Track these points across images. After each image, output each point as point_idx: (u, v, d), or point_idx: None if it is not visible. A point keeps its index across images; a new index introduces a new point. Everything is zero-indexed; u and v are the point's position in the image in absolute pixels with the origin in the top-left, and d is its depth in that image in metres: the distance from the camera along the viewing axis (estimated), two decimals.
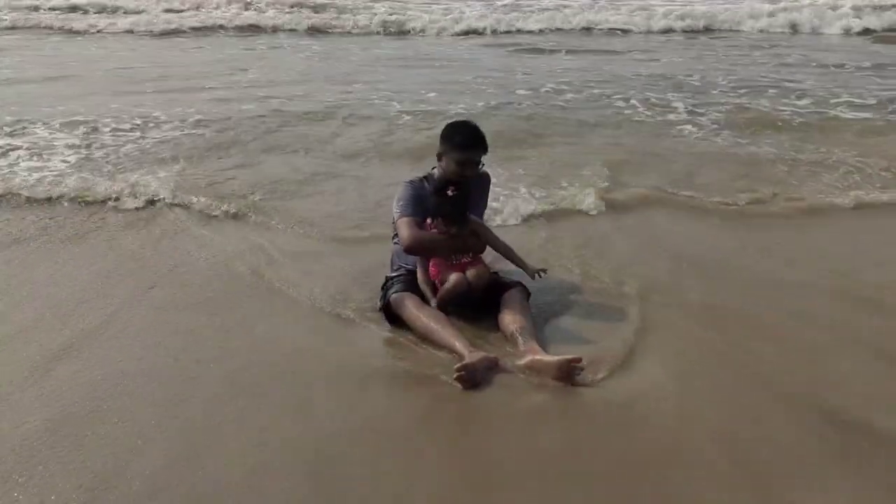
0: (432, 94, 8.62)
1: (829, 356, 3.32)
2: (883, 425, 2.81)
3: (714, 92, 8.84)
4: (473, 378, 3.07)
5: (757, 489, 2.50)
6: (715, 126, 7.32)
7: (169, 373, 3.15)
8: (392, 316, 3.54)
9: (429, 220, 3.62)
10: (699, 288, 3.96)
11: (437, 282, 3.60)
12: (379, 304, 3.64)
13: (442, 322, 3.39)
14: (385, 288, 3.66)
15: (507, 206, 5.01)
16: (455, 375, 3.04)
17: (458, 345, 3.25)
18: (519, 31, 14.24)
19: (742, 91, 8.80)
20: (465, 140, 3.70)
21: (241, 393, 3.01)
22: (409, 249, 3.59)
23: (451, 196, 3.54)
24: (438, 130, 3.84)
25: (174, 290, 3.90)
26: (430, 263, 3.62)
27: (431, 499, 2.46)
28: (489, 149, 3.76)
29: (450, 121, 3.92)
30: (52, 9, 14.89)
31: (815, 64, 10.77)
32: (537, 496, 2.46)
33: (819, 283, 4.00)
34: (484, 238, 3.69)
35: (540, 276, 3.66)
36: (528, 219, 4.93)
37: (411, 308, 3.46)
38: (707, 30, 14.34)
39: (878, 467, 2.61)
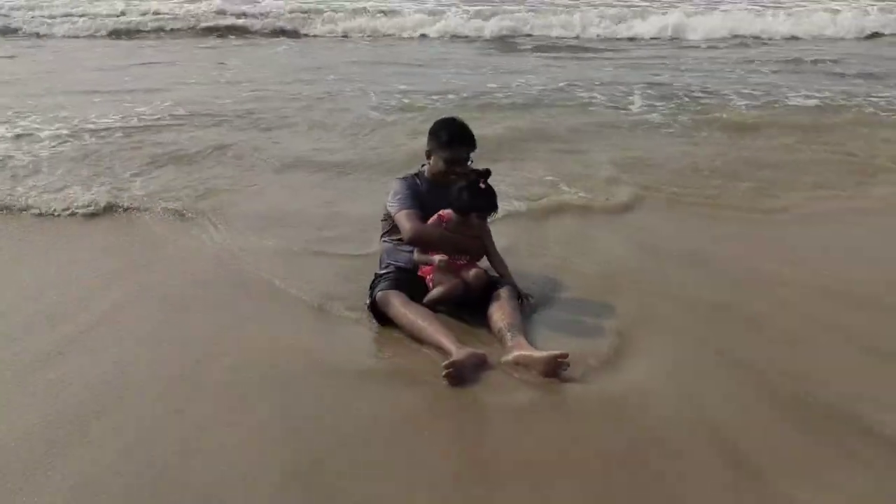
0: (404, 86, 8.66)
1: (818, 351, 3.36)
2: (873, 419, 2.85)
3: (689, 92, 8.96)
4: (461, 375, 3.08)
5: (748, 483, 2.53)
6: (690, 126, 7.42)
7: (166, 373, 3.12)
8: (380, 314, 3.54)
9: (444, 212, 3.63)
10: (688, 283, 4.01)
11: (428, 280, 3.61)
12: (367, 302, 3.64)
13: (429, 319, 3.40)
14: (372, 286, 3.67)
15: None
16: (443, 373, 3.04)
17: (446, 342, 3.25)
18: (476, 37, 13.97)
19: (712, 93, 8.93)
20: (452, 137, 3.72)
21: (230, 393, 3.00)
22: (412, 241, 3.62)
23: (484, 189, 3.56)
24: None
25: (163, 291, 3.86)
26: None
27: (423, 498, 2.46)
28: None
29: (438, 118, 3.92)
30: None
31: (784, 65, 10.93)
32: (528, 493, 2.48)
33: (806, 278, 4.06)
34: (486, 246, 3.72)
35: (527, 301, 3.68)
36: (513, 214, 4.95)
37: (397, 306, 3.46)
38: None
39: (867, 461, 2.65)
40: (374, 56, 11.66)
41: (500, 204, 3.71)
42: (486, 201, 3.60)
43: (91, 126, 6.87)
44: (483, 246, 3.72)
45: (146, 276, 4.04)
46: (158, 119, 7.16)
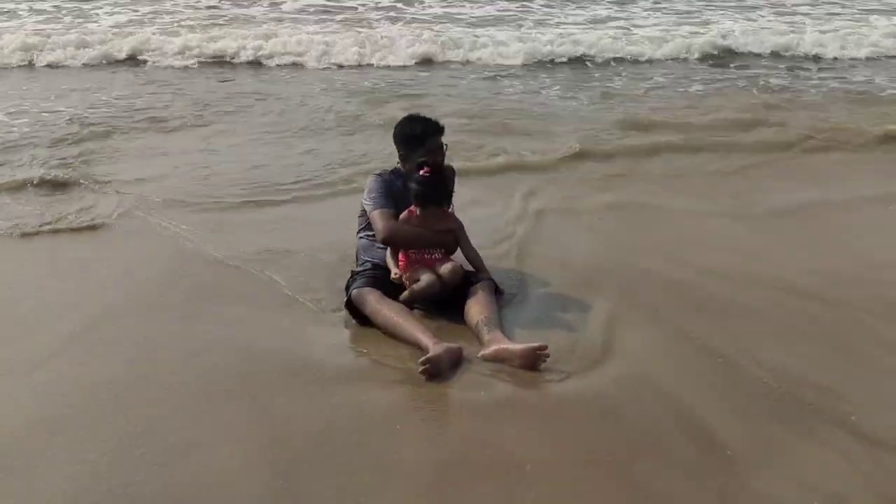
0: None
1: (795, 345, 3.35)
2: (845, 411, 2.85)
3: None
4: (438, 370, 3.06)
5: (724, 477, 2.52)
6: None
7: (144, 376, 3.08)
8: (358, 312, 3.50)
9: (412, 208, 3.62)
10: (667, 278, 3.96)
11: (405, 276, 3.57)
12: (344, 300, 3.59)
13: (404, 315, 3.38)
14: (349, 284, 3.62)
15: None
16: (420, 369, 3.03)
17: (422, 337, 3.22)
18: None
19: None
20: (424, 130, 3.73)
21: (211, 395, 2.96)
22: (385, 241, 3.60)
23: (424, 177, 3.53)
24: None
25: (133, 299, 3.75)
26: (400, 258, 3.61)
27: (400, 496, 2.43)
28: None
29: (396, 124, 3.91)
30: None
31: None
32: (505, 489, 2.45)
33: (784, 273, 4.02)
34: (458, 239, 3.68)
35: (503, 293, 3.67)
36: (489, 207, 4.92)
37: (373, 303, 3.43)
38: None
39: (842, 451, 2.63)
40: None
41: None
42: (421, 189, 3.55)
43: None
44: (454, 240, 3.69)
45: (112, 287, 3.88)
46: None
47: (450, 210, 3.76)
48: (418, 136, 3.72)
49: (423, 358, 3.05)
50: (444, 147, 3.78)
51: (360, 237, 3.82)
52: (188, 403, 2.90)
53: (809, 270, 4.08)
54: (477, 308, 3.40)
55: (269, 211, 4.92)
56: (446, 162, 3.93)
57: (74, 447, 2.64)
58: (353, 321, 3.51)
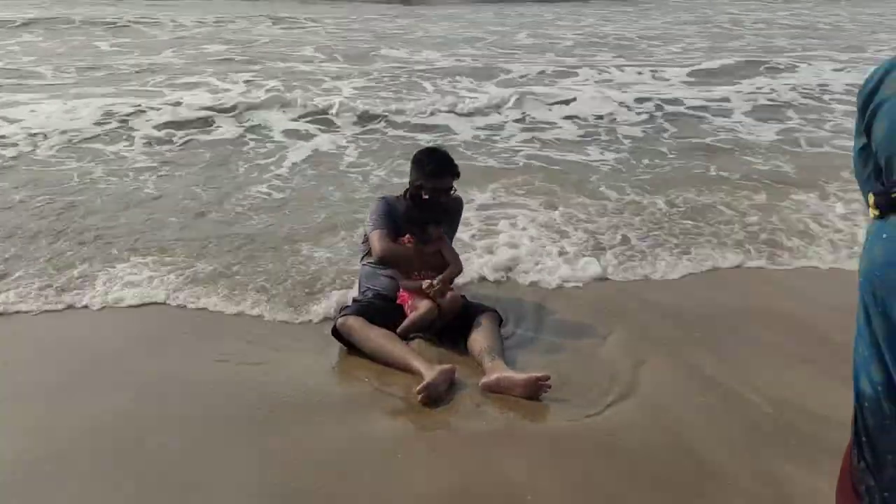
0: None
1: (796, 374, 3.32)
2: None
3: None
4: (437, 394, 3.06)
5: None
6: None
7: (148, 412, 3.02)
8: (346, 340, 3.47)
9: (405, 237, 3.68)
10: (676, 313, 3.92)
11: (406, 307, 3.57)
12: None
13: (392, 341, 3.37)
14: (341, 311, 3.60)
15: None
16: (418, 397, 3.01)
17: (414, 362, 3.22)
18: None
19: None
20: (435, 168, 3.77)
21: (205, 430, 2.90)
22: (381, 260, 3.65)
23: (427, 201, 3.65)
24: None
25: (131, 334, 3.70)
26: (401, 290, 3.61)
27: None
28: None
29: (420, 148, 3.98)
30: None
31: None
32: None
33: (792, 314, 3.98)
34: (447, 256, 3.71)
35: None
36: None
37: (358, 330, 3.40)
38: None
39: None
40: None
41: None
42: (419, 213, 3.66)
43: None
44: (446, 259, 3.70)
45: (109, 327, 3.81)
46: None
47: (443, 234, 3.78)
48: (429, 172, 3.76)
49: (419, 386, 3.03)
50: (453, 189, 3.81)
51: (363, 264, 3.82)
52: (190, 438, 2.85)
53: (813, 302, 4.05)
54: (479, 339, 3.38)
55: (266, 241, 4.93)
56: (457, 194, 3.98)
57: (74, 486, 2.58)
58: (344, 349, 3.47)
